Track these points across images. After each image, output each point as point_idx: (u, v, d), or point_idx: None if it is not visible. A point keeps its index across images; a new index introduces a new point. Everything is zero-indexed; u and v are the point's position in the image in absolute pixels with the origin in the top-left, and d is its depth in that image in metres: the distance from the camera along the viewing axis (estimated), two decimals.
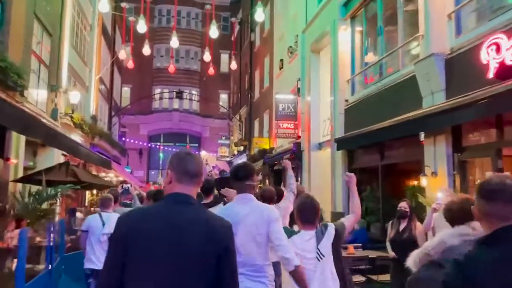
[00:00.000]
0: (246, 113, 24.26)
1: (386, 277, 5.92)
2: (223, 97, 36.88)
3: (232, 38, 24.76)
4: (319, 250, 2.80)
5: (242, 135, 25.21)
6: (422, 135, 6.73)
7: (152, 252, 1.54)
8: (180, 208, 1.65)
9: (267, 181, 18.87)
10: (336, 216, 9.74)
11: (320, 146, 12.11)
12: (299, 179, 13.70)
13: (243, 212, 2.68)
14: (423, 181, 6.59)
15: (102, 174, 20.76)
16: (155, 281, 1.53)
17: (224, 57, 37.79)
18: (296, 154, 12.92)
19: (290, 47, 14.31)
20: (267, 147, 18.04)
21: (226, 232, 1.68)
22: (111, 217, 4.80)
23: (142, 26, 16.73)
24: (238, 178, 2.82)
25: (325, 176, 11.96)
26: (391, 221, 5.59)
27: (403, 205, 5.36)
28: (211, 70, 21.67)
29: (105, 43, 21.36)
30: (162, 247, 1.55)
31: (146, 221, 1.61)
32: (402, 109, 7.06)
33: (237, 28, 26.35)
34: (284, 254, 2.54)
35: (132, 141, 32.86)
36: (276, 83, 17.09)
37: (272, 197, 4.45)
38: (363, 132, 8.68)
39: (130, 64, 20.15)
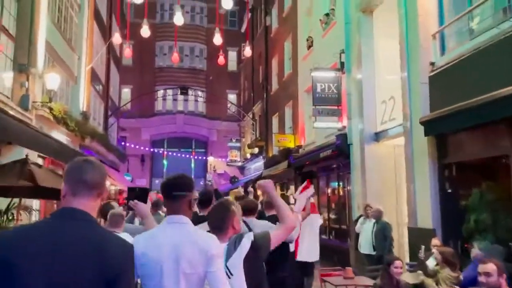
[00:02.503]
0: (261, 110, 21.20)
1: None
2: (232, 97, 33.80)
3: (246, 19, 21.72)
4: (227, 268, 2.23)
5: (256, 136, 22.12)
6: None
7: (24, 283, 1.34)
8: (66, 225, 1.44)
9: (292, 187, 15.72)
10: (419, 234, 6.59)
11: (377, 137, 9.00)
12: (345, 182, 10.55)
13: (170, 242, 1.95)
14: None
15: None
16: None
17: (232, 54, 34.91)
18: (340, 150, 9.82)
19: (326, 14, 11.27)
20: (291, 145, 14.95)
21: (123, 256, 1.49)
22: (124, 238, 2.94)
23: (145, 31, 14.97)
24: (168, 193, 2.09)
25: (387, 178, 8.83)
26: None
27: None
28: (221, 60, 18.66)
29: (99, 29, 18.43)
30: (36, 275, 1.35)
31: (21, 243, 1.39)
32: None
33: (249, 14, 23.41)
34: None
35: (133, 145, 29.87)
36: (302, 67, 14.04)
37: (250, 209, 3.99)
38: (470, 105, 5.60)
39: (128, 53, 17.16)
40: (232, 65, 34.90)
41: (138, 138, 31.58)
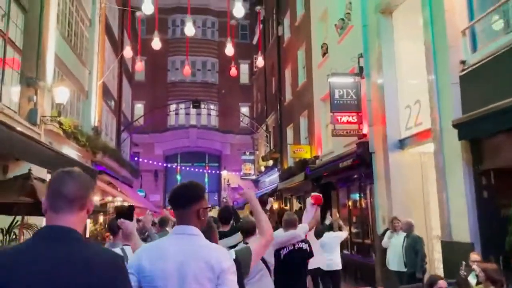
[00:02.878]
0: (275, 121, 20.76)
1: None
2: (244, 110, 33.46)
3: (258, 31, 21.51)
4: None
5: (270, 148, 21.64)
6: None
7: None
8: (49, 246, 1.35)
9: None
10: (455, 248, 5.98)
11: (402, 144, 8.43)
12: (367, 193, 9.97)
13: (176, 254, 1.82)
14: None
15: (109, 199, 17.41)
16: None
17: (244, 67, 34.73)
18: (362, 159, 9.26)
19: (341, 19, 10.84)
20: (308, 156, 14.42)
21: (112, 269, 1.39)
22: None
23: (156, 43, 15.34)
24: (175, 202, 1.99)
25: (413, 188, 8.24)
26: None
27: None
28: (233, 71, 18.37)
29: (110, 44, 18.33)
30: None
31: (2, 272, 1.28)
32: None
33: (260, 26, 23.16)
34: None
35: (146, 161, 29.65)
36: (317, 75, 13.60)
37: (250, 229, 3.57)
38: (508, 105, 5.05)
39: (139, 66, 16.96)
40: (244, 78, 34.70)
41: (151, 154, 31.38)
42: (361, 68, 9.41)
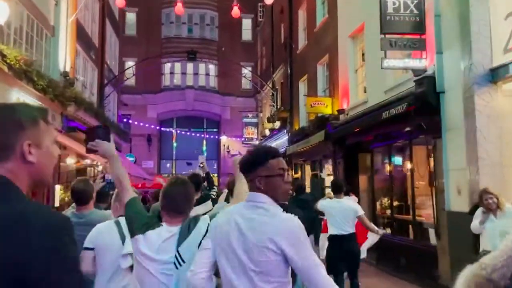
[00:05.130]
0: (283, 76, 17.75)
1: None
2: (246, 72, 30.24)
3: None
4: (178, 253, 1.99)
5: (276, 107, 18.70)
6: None
7: None
8: None
9: (328, 167, 12.37)
10: None
11: (494, 76, 5.52)
12: (428, 154, 7.13)
13: (240, 222, 1.79)
14: None
15: (87, 162, 14.71)
16: None
17: (246, 22, 31.28)
18: (422, 102, 6.37)
19: None
20: (328, 111, 11.55)
21: (43, 243, 0.95)
22: None
23: None
24: (242, 167, 1.92)
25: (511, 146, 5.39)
26: None
27: None
28: (236, 11, 15.26)
29: None
30: None
31: None
32: None
33: None
34: None
35: (138, 123, 26.82)
36: (345, 4, 10.57)
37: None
38: None
39: (120, 1, 13.75)
40: (247, 35, 31.36)
41: (144, 117, 28.42)
42: None
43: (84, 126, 13.71)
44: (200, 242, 1.93)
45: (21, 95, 9.33)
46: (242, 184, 2.28)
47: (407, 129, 7.22)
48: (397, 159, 8.45)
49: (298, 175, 14.87)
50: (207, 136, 30.62)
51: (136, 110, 27.75)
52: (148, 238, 1.99)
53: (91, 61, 16.36)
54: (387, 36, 6.50)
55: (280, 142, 17.66)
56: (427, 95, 6.28)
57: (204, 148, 30.65)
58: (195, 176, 4.33)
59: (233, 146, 29.43)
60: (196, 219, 2.09)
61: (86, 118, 13.75)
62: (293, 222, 1.73)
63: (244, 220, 1.75)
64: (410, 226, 7.83)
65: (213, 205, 4.20)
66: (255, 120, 23.67)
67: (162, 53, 29.32)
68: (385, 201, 8.83)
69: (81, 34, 14.40)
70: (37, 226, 0.96)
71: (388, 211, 8.64)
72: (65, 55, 12.60)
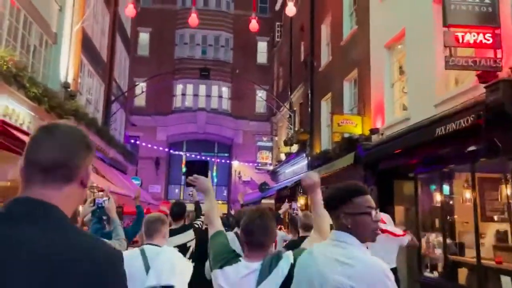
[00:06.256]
0: (303, 96, 16.50)
1: None
2: (261, 95, 29.13)
3: None
4: None
5: (293, 130, 17.37)
6: None
7: None
8: (18, 228, 0.91)
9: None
10: None
11: None
12: (508, 185, 5.64)
13: (319, 268, 1.68)
14: None
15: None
16: None
17: (262, 45, 30.52)
18: (499, 113, 4.96)
19: None
20: (358, 131, 10.16)
21: (103, 273, 0.94)
22: (162, 255, 2.77)
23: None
24: (326, 204, 1.87)
25: None
26: None
27: None
28: (254, 25, 14.19)
29: None
30: None
31: None
32: None
33: None
34: None
35: (145, 145, 25.70)
36: (379, 9, 9.36)
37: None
38: None
39: (130, 10, 12.77)
40: (262, 58, 30.45)
41: (153, 139, 27.29)
42: None
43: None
44: (281, 283, 1.84)
45: (10, 102, 8.17)
46: (323, 219, 2.13)
47: (471, 148, 5.76)
48: (453, 187, 6.94)
49: None
50: (218, 160, 29.30)
51: (145, 131, 26.67)
52: (226, 274, 1.94)
53: (98, 76, 15.35)
54: (452, 29, 5.19)
55: (298, 167, 16.23)
56: (503, 103, 4.87)
57: (215, 173, 29.32)
58: (177, 205, 4.31)
59: (245, 172, 27.99)
60: (278, 256, 1.95)
61: (90, 136, 12.55)
62: (380, 268, 1.59)
63: (327, 260, 1.66)
64: (471, 270, 6.26)
65: (196, 235, 4.12)
66: (269, 144, 22.33)
67: (174, 75, 28.48)
68: (434, 238, 7.27)
69: (88, 46, 13.43)
70: (100, 258, 0.95)
71: (439, 251, 7.07)
72: (67, 66, 11.53)
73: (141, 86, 26.05)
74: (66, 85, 11.13)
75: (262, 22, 27.02)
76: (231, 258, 1.96)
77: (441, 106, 6.72)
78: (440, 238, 7.10)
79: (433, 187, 7.44)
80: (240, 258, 1.97)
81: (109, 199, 3.63)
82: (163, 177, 28.06)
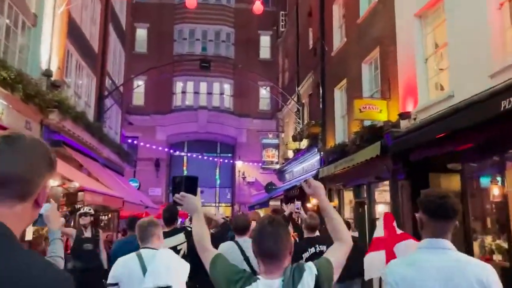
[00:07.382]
0: (312, 86, 15.13)
1: None
2: (264, 92, 27.76)
3: None
4: None
5: (302, 125, 16.00)
6: None
7: None
8: None
9: (382, 193, 9.48)
10: None
11: None
12: None
13: (439, 270, 1.76)
14: None
15: (75, 185, 11.99)
16: None
17: (265, 39, 29.22)
18: None
19: None
20: (383, 118, 8.77)
21: None
22: (159, 258, 2.86)
23: None
24: (435, 213, 1.84)
25: None
26: None
27: None
28: (258, 6, 12.84)
29: None
30: None
31: None
32: None
33: None
34: None
35: (144, 144, 24.38)
36: None
37: (246, 228, 3.86)
38: None
39: None
40: (265, 52, 29.11)
41: (152, 139, 25.95)
42: None
43: (73, 140, 11.18)
44: None
45: None
46: (338, 221, 2.02)
47: None
48: None
49: (335, 203, 11.93)
50: (221, 160, 27.95)
51: (144, 131, 25.37)
52: None
53: (89, 68, 14.02)
54: None
55: (309, 164, 14.84)
56: None
57: (217, 175, 28.01)
58: (168, 211, 4.31)
59: (249, 172, 26.61)
60: (300, 268, 1.73)
61: (76, 132, 11.20)
62: (486, 265, 1.77)
63: (443, 266, 1.72)
64: None
65: (187, 238, 4.02)
66: (275, 141, 20.95)
67: (174, 72, 27.17)
68: (490, 241, 5.88)
69: (75, 34, 12.12)
70: (44, 281, 0.91)
71: (499, 257, 5.68)
72: (49, 52, 10.20)
73: (137, 83, 24.78)
74: (48, 73, 9.78)
75: (265, 15, 25.81)
76: (246, 278, 1.73)
77: (500, 76, 5.35)
78: (499, 241, 5.70)
79: (490, 179, 6.04)
80: (258, 276, 1.74)
81: (50, 205, 2.37)
82: (163, 179, 26.67)
